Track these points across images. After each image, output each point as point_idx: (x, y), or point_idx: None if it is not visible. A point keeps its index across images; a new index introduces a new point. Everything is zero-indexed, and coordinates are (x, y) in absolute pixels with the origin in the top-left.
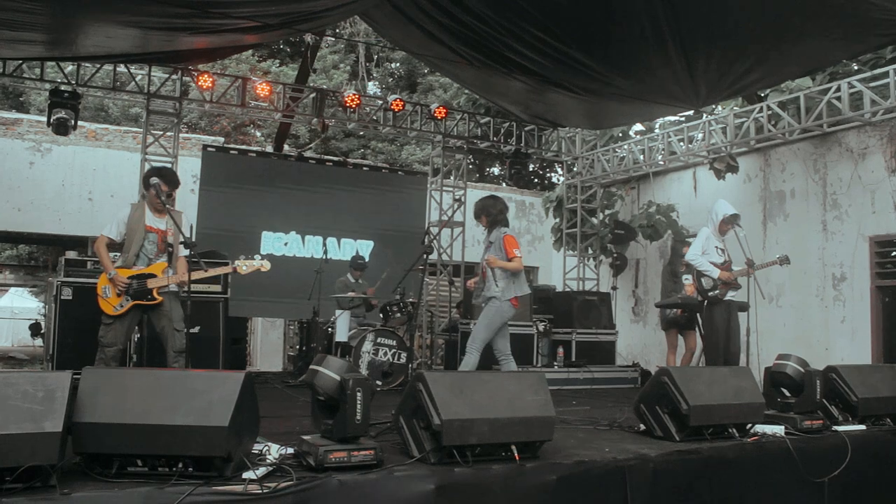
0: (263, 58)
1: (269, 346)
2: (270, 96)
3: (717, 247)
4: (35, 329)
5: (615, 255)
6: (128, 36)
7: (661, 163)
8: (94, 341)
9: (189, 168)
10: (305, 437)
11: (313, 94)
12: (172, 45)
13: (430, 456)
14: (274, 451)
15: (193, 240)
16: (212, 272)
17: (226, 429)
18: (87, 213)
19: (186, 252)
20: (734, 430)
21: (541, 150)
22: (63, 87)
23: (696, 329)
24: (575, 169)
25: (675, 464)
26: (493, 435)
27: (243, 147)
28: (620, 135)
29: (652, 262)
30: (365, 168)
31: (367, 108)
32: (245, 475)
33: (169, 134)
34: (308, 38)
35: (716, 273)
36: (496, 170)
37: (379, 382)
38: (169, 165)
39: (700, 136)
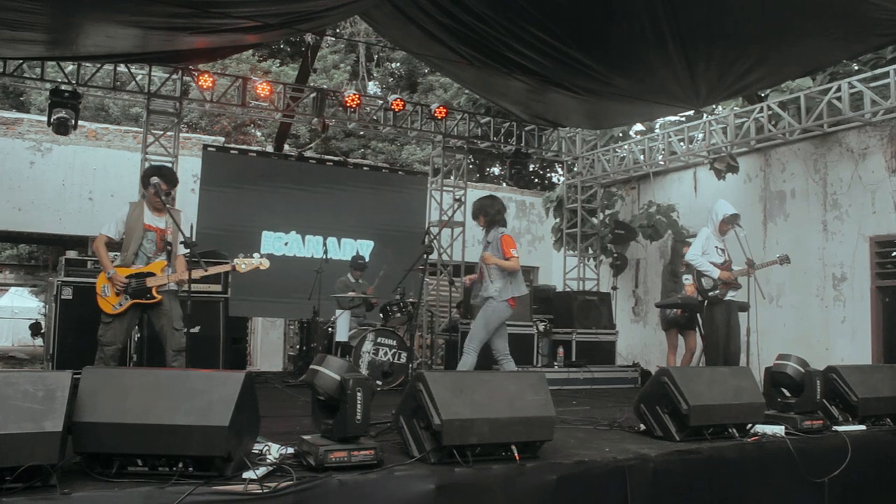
0: (264, 57)
1: (269, 345)
2: (271, 96)
3: (717, 247)
4: (35, 329)
5: (615, 255)
6: (128, 36)
7: (662, 163)
8: (95, 341)
9: (189, 168)
10: (305, 437)
11: (314, 94)
12: (173, 45)
13: (431, 456)
14: (274, 451)
15: (194, 239)
16: (211, 270)
17: (226, 428)
18: (88, 213)
19: (181, 250)
20: (734, 430)
21: (541, 150)
22: (63, 87)
23: (697, 329)
24: (575, 169)
25: (675, 464)
26: (493, 435)
27: (243, 147)
28: (621, 135)
29: (652, 262)
30: (365, 168)
31: (368, 108)
32: (245, 475)
33: (169, 134)
34: (308, 37)
35: (716, 273)
36: (496, 170)
37: (379, 382)
38: (167, 164)
39: (700, 136)
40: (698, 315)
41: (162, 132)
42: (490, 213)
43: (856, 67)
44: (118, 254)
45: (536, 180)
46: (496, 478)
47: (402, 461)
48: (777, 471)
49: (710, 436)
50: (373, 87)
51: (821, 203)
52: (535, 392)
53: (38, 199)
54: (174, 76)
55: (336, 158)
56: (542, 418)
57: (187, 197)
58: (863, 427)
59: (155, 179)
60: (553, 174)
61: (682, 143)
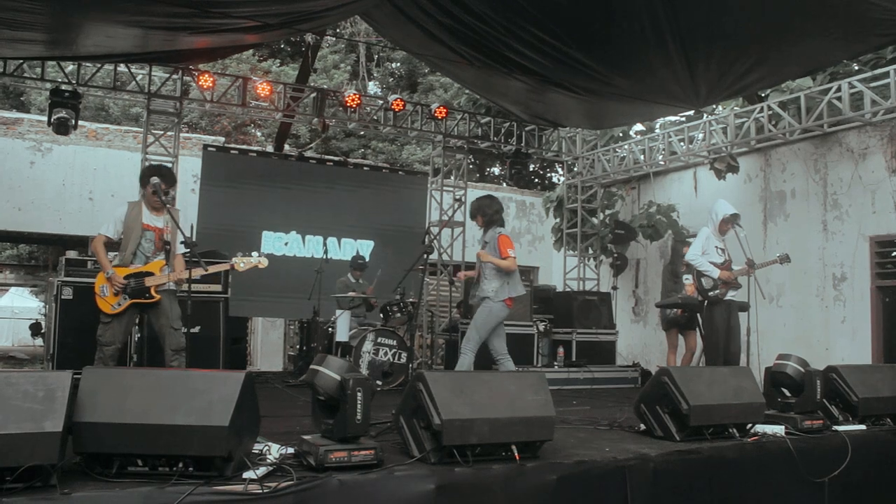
0: (264, 57)
1: (269, 345)
2: (271, 96)
3: (717, 247)
4: (35, 329)
5: (615, 255)
6: (128, 35)
7: (662, 163)
8: (95, 341)
9: (189, 168)
10: (306, 437)
11: (314, 94)
12: (173, 45)
13: (431, 456)
14: (274, 451)
15: (194, 239)
16: (210, 269)
17: (226, 428)
18: (88, 213)
19: (181, 250)
20: (734, 430)
21: (541, 150)
22: (63, 87)
23: (697, 329)
24: (575, 169)
25: (675, 464)
26: (493, 435)
27: (244, 147)
28: (621, 135)
29: (652, 262)
30: (365, 168)
31: (368, 108)
32: (245, 475)
33: (169, 133)
34: (309, 37)
35: (716, 273)
36: (496, 170)
37: (379, 382)
38: (164, 164)
39: (700, 136)
40: (698, 315)
41: (162, 132)
42: (488, 213)
43: (856, 67)
44: (117, 253)
45: (536, 180)
46: (496, 478)
47: (403, 461)
48: (777, 471)
49: (710, 436)
50: (373, 87)
51: (821, 203)
52: (535, 392)
53: (39, 199)
54: (174, 76)
55: (336, 158)
56: (543, 418)
57: (187, 197)
58: (863, 427)
59: (155, 179)
60: (553, 174)
61: (682, 143)
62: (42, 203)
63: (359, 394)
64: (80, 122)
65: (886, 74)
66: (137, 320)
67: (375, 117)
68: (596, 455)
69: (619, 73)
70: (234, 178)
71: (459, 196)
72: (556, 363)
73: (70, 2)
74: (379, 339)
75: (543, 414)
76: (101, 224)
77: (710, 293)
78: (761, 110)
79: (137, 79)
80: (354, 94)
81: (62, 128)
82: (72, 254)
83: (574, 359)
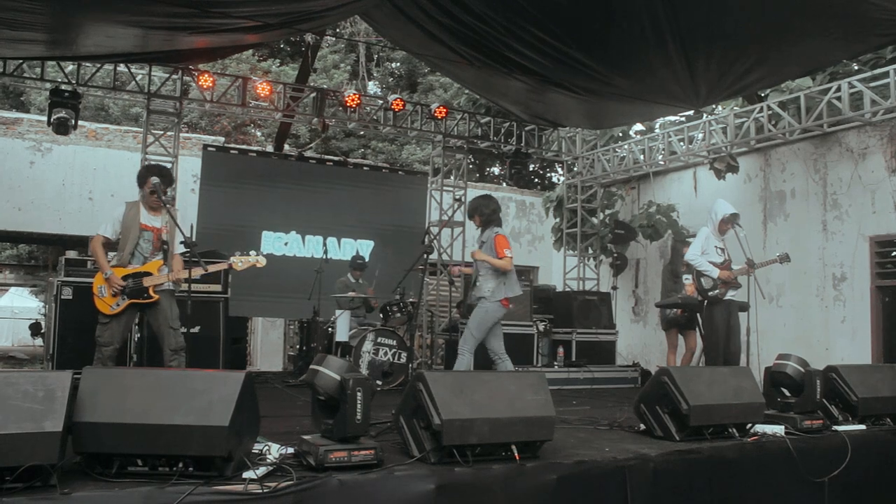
0: (264, 57)
1: (269, 345)
2: (271, 96)
3: (716, 246)
4: (35, 329)
5: (615, 254)
6: (128, 35)
7: (662, 163)
8: (94, 341)
9: (189, 168)
10: (306, 437)
11: (314, 94)
12: (173, 45)
13: (431, 456)
14: (274, 451)
15: (194, 239)
16: (209, 269)
17: (226, 428)
18: (88, 213)
19: (181, 249)
20: (734, 430)
21: (541, 149)
22: (63, 87)
23: (697, 329)
24: (575, 169)
25: (675, 464)
26: (493, 435)
27: (244, 147)
28: (620, 135)
29: (652, 261)
30: (365, 168)
31: (368, 108)
32: (245, 475)
33: (169, 133)
34: (308, 37)
35: (715, 273)
36: (496, 170)
37: (379, 382)
38: (161, 163)
39: (700, 136)
40: (698, 315)
41: (162, 132)
42: (485, 213)
43: (856, 67)
44: (116, 253)
45: (536, 180)
46: (496, 478)
47: (402, 461)
48: (777, 470)
49: (710, 436)
50: (373, 87)
51: (821, 203)
52: (535, 392)
53: (38, 198)
54: (174, 76)
55: (336, 158)
56: (542, 418)
57: (187, 197)
58: (863, 427)
59: (155, 179)
60: (553, 174)
61: (682, 143)
62: (42, 203)
63: (359, 394)
64: (79, 122)
65: (886, 74)
66: (137, 320)
67: (375, 117)
68: (596, 455)
69: (619, 73)
70: (234, 178)
71: (459, 196)
72: (556, 363)
73: (70, 2)
74: (379, 339)
75: (543, 414)
76: (99, 224)
77: (710, 293)
78: (761, 110)
79: (137, 79)
80: (354, 94)
81: (62, 128)
82: (72, 254)
83: (574, 359)
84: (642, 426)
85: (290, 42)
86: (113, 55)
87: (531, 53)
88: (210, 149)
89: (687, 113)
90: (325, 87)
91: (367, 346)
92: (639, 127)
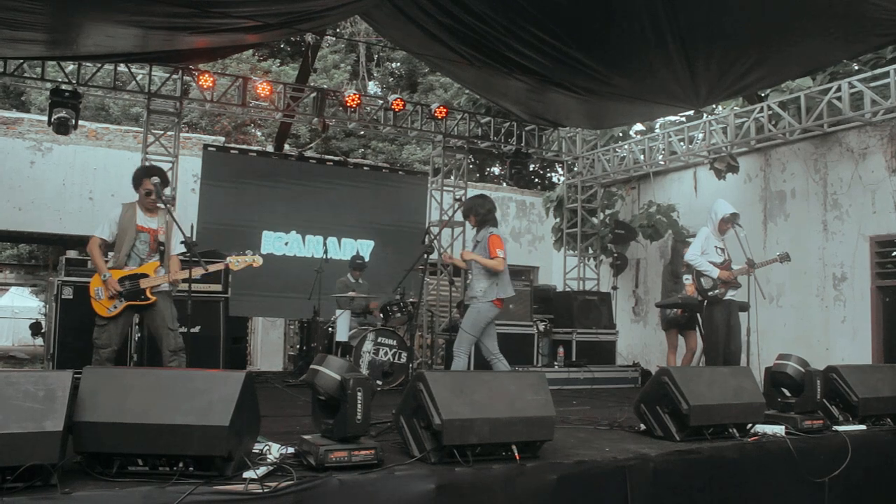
0: (264, 57)
1: (269, 345)
2: (271, 96)
3: (716, 246)
4: (35, 328)
5: (615, 254)
6: (128, 35)
7: (662, 163)
8: (92, 343)
9: (190, 168)
10: (306, 437)
11: (314, 94)
12: (173, 45)
13: (431, 455)
14: (274, 451)
15: (194, 239)
16: (207, 269)
17: (226, 428)
18: (88, 213)
19: (181, 249)
20: (734, 430)
21: (541, 149)
22: (64, 87)
23: (697, 329)
24: (575, 169)
25: (675, 464)
26: (493, 435)
27: (244, 147)
28: (621, 135)
29: (652, 261)
30: (365, 167)
31: (368, 108)
32: (246, 475)
33: (169, 133)
34: (309, 37)
35: (715, 273)
36: (496, 170)
37: (379, 382)
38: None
39: (700, 135)
40: (698, 315)
41: (162, 132)
42: (480, 213)
43: (856, 67)
44: (112, 255)
45: (536, 180)
46: (496, 477)
47: (403, 461)
48: (777, 471)
49: (710, 436)
50: (373, 87)
51: (821, 203)
52: (535, 392)
53: (39, 198)
54: (174, 76)
55: (336, 158)
56: (543, 418)
57: (187, 197)
58: (863, 427)
59: (155, 179)
60: (553, 174)
61: (682, 143)
62: (42, 203)
63: (359, 393)
64: (80, 122)
65: (886, 74)
66: (137, 321)
67: (375, 117)
68: (596, 455)
69: (619, 73)
70: (235, 177)
71: (459, 196)
72: (556, 363)
73: (70, 2)
74: (379, 339)
75: (543, 414)
76: (97, 225)
77: (710, 293)
78: (761, 110)
79: (137, 79)
80: (354, 94)
81: (62, 127)
82: (72, 253)
83: (574, 359)
84: (642, 426)
85: (290, 42)
86: (113, 55)
87: (531, 53)
88: (210, 149)
89: (687, 113)
90: (325, 87)
91: (368, 346)
92: (639, 127)
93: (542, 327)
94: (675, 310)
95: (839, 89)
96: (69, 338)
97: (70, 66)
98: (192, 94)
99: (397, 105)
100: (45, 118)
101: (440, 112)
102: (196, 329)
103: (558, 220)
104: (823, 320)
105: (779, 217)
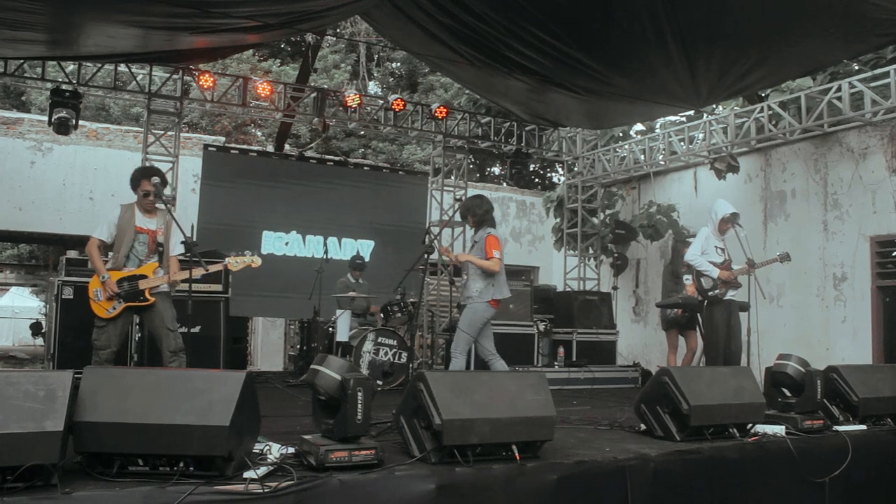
0: (264, 57)
1: (269, 345)
2: (271, 96)
3: (716, 246)
4: (36, 328)
5: (616, 254)
6: (129, 35)
7: (662, 163)
8: (91, 344)
9: (190, 168)
10: (306, 437)
11: (314, 94)
12: (173, 45)
13: (431, 455)
14: (275, 451)
15: (194, 239)
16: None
17: (227, 428)
18: (88, 213)
19: (180, 249)
20: (735, 430)
21: (541, 149)
22: (64, 87)
23: (697, 329)
24: (576, 169)
25: (675, 464)
26: (493, 435)
27: (244, 147)
28: (621, 135)
29: (653, 262)
30: (366, 167)
31: (368, 108)
32: (246, 475)
33: (170, 133)
34: (309, 37)
35: (715, 273)
36: (497, 170)
37: (380, 382)
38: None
39: (701, 135)
40: (699, 315)
41: (163, 132)
42: (478, 213)
43: (856, 67)
44: (111, 255)
45: (537, 180)
46: (497, 477)
47: (403, 461)
48: (778, 471)
49: (710, 436)
50: (373, 87)
51: (821, 203)
52: (535, 392)
53: (39, 198)
54: (175, 76)
55: (337, 158)
56: (543, 418)
57: (188, 197)
58: (863, 427)
59: (156, 179)
60: (553, 174)
61: (682, 143)
62: (42, 203)
63: (359, 394)
64: (80, 122)
65: (886, 74)
66: (138, 321)
67: (375, 117)
68: (596, 455)
69: (620, 73)
70: (235, 177)
71: (460, 196)
72: (556, 363)
73: (71, 2)
74: (379, 339)
75: (544, 414)
76: (96, 226)
77: (710, 293)
78: (761, 110)
79: (138, 79)
80: (355, 94)
81: (63, 127)
82: (72, 253)
83: (574, 359)
84: (643, 426)
85: (290, 42)
86: (113, 55)
87: (531, 53)
88: (211, 149)
89: (687, 113)
90: (325, 87)
91: (368, 346)
92: (639, 127)
93: (542, 327)
94: (676, 310)
95: (839, 89)
96: (69, 338)
97: (70, 66)
98: (192, 94)
99: (397, 105)
100: (46, 118)
101: (440, 112)
102: (196, 329)
103: (558, 220)
104: (824, 320)
105: (779, 217)
